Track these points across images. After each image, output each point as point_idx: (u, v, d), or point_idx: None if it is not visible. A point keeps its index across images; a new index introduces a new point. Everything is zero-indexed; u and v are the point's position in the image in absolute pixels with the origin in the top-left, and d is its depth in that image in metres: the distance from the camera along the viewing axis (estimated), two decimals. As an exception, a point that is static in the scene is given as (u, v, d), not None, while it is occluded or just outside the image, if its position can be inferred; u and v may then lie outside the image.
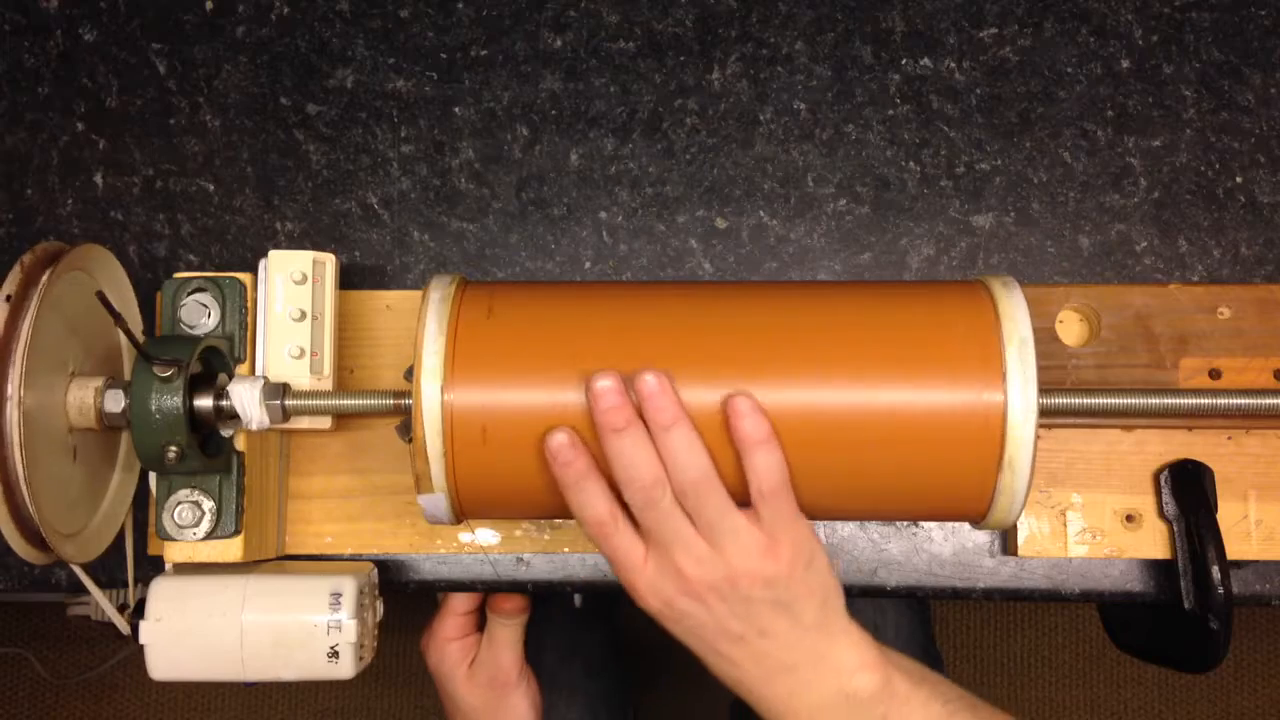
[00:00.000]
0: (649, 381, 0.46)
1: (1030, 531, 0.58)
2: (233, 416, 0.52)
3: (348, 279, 0.62)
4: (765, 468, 0.47)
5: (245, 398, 0.51)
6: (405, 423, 0.50)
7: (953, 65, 0.64)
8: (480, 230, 0.63)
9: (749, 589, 0.48)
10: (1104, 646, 1.39)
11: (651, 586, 0.49)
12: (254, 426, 0.52)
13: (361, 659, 0.54)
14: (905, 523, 0.60)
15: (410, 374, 0.48)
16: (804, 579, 0.48)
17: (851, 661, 0.49)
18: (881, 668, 0.50)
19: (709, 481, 0.47)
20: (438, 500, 0.49)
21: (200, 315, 0.55)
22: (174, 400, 0.49)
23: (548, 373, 0.48)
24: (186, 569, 0.54)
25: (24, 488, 0.46)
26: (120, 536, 0.57)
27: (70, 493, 0.52)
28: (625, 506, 0.48)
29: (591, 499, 0.48)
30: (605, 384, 0.46)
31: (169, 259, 0.63)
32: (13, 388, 0.46)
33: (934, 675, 0.52)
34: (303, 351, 0.55)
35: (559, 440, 0.47)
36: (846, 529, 0.61)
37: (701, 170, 0.64)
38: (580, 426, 0.47)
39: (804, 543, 0.48)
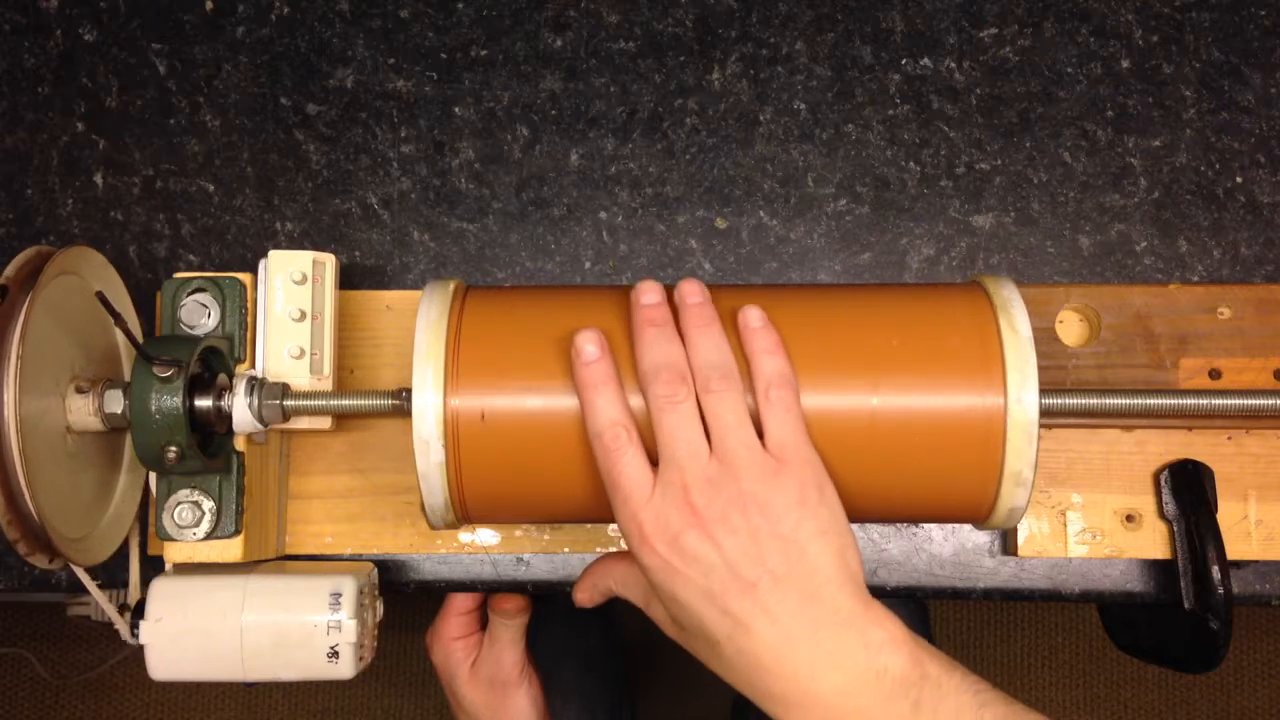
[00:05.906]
0: (692, 290, 0.49)
1: (1030, 531, 0.58)
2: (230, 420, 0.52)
3: (348, 279, 0.62)
4: (773, 369, 0.47)
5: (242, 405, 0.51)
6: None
7: (953, 65, 0.64)
8: (480, 230, 0.63)
9: (758, 518, 0.44)
10: (1104, 646, 1.39)
11: (658, 518, 0.45)
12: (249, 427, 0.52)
13: (361, 659, 0.54)
14: (905, 523, 0.60)
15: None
16: (815, 514, 0.45)
17: (878, 636, 0.44)
18: (910, 645, 0.45)
19: (732, 379, 0.46)
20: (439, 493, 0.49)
21: (200, 315, 0.55)
22: (174, 400, 0.49)
23: (550, 376, 0.48)
24: (186, 569, 0.54)
25: (26, 494, 0.46)
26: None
27: (77, 496, 0.52)
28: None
29: (610, 403, 0.46)
30: (650, 293, 0.48)
31: (169, 259, 0.63)
32: (8, 395, 0.46)
33: (957, 663, 0.46)
34: (303, 351, 0.55)
35: (587, 335, 0.47)
36: (846, 529, 0.61)
37: (701, 170, 0.64)
38: (582, 430, 0.47)
39: (811, 470, 0.46)
